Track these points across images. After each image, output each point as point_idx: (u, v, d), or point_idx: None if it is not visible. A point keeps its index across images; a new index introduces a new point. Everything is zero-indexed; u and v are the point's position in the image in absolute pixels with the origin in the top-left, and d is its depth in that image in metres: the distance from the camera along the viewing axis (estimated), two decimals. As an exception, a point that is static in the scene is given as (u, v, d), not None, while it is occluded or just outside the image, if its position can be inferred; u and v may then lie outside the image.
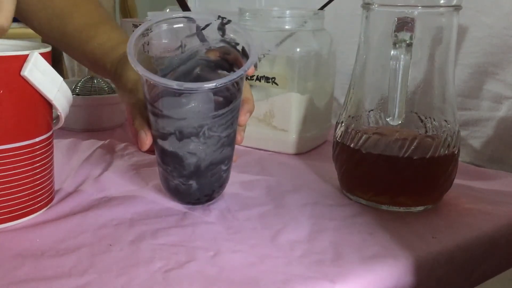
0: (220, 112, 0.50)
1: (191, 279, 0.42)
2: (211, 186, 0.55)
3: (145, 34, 0.53)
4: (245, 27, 0.54)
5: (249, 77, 0.75)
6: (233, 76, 0.48)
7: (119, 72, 0.60)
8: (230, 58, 0.54)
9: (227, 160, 0.55)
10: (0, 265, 0.43)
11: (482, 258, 0.52)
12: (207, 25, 0.55)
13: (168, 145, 0.52)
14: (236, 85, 0.51)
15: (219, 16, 0.55)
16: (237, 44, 0.54)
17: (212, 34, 0.55)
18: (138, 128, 0.53)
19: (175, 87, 0.47)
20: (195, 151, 0.51)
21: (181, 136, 0.51)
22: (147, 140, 0.53)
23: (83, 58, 0.67)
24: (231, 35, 0.55)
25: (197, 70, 0.56)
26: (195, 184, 0.54)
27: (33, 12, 0.67)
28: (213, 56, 0.56)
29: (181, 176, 0.53)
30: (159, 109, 0.50)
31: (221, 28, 0.55)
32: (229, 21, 0.54)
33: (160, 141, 0.52)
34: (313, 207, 0.56)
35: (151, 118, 0.52)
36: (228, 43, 0.55)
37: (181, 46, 0.56)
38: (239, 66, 0.52)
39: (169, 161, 0.53)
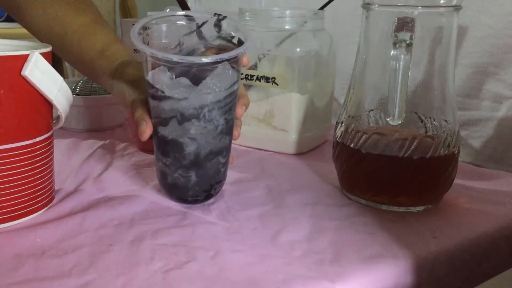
0: (221, 93, 0.51)
1: (191, 279, 0.42)
2: (209, 180, 0.55)
3: (140, 32, 0.53)
4: (239, 22, 0.56)
5: (249, 78, 0.75)
6: (230, 53, 0.50)
7: (119, 70, 0.61)
8: None
9: (225, 151, 0.56)
10: (0, 265, 0.43)
11: (482, 258, 0.52)
12: (204, 23, 0.57)
13: (169, 131, 0.53)
14: (234, 68, 0.52)
15: (215, 14, 0.56)
16: (233, 37, 0.55)
17: (208, 32, 0.56)
18: (138, 119, 0.54)
19: (176, 60, 0.49)
20: (195, 136, 0.52)
21: (182, 118, 0.51)
22: (147, 129, 0.53)
23: (79, 61, 0.68)
24: (227, 31, 0.56)
25: (194, 69, 0.57)
26: (194, 176, 0.54)
27: (33, 15, 0.67)
28: (210, 55, 0.56)
29: (181, 167, 0.54)
30: (161, 90, 0.51)
31: (217, 25, 0.56)
32: (224, 17, 0.56)
33: (160, 129, 0.53)
34: (313, 207, 0.57)
35: (153, 103, 0.53)
36: (224, 38, 0.56)
37: (179, 44, 0.57)
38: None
39: (169, 152, 0.54)
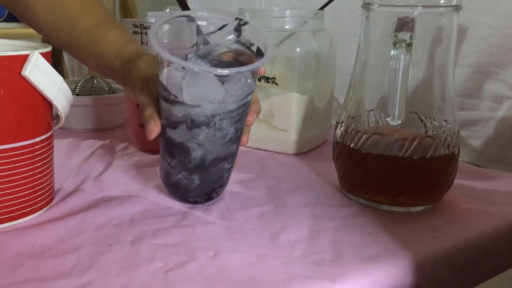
0: (235, 103, 0.51)
1: (191, 279, 0.42)
2: (212, 184, 0.55)
3: (157, 33, 0.53)
4: (260, 29, 0.55)
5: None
6: (249, 67, 0.49)
7: (129, 66, 0.60)
8: (243, 59, 0.55)
9: (231, 158, 0.55)
10: (0, 265, 0.43)
11: (482, 258, 0.52)
12: (224, 26, 0.56)
13: (177, 135, 0.52)
14: (251, 80, 0.52)
15: (236, 18, 0.55)
16: (252, 44, 0.55)
17: (227, 35, 0.56)
18: (147, 118, 0.54)
19: (196, 70, 0.49)
20: (203, 142, 0.52)
21: (192, 124, 0.51)
22: (155, 129, 0.53)
23: (89, 59, 0.68)
24: (247, 36, 0.55)
25: None
26: (197, 179, 0.54)
27: (41, 14, 0.67)
28: (226, 58, 0.56)
29: (185, 169, 0.54)
30: (175, 94, 0.51)
31: (238, 29, 0.55)
32: (246, 23, 0.55)
33: (169, 131, 0.53)
34: (313, 207, 0.57)
35: (164, 105, 0.53)
36: (243, 44, 0.55)
37: (196, 44, 0.56)
38: None
39: (175, 153, 0.53)
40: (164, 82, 0.52)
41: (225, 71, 0.49)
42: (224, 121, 0.51)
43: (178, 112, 0.51)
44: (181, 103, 0.51)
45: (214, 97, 0.50)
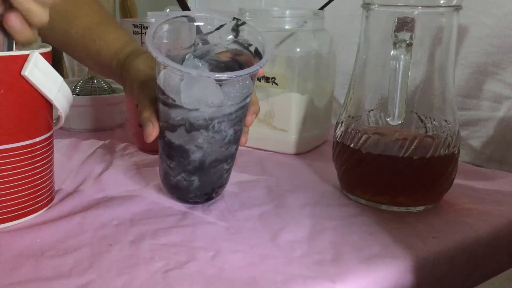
0: (233, 106, 0.51)
1: (191, 279, 0.42)
2: (211, 185, 0.55)
3: (154, 36, 0.52)
4: (259, 30, 0.55)
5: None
6: (248, 70, 0.49)
7: (127, 66, 0.60)
8: (241, 60, 0.55)
9: (231, 159, 0.55)
10: (0, 265, 0.43)
11: (482, 258, 0.52)
12: (221, 26, 0.56)
13: (176, 137, 0.52)
14: (249, 82, 0.51)
15: (234, 18, 0.55)
16: (250, 45, 0.54)
17: (225, 35, 0.56)
18: (145, 120, 0.53)
19: (193, 74, 0.49)
20: (202, 145, 0.52)
21: (191, 127, 0.51)
22: (153, 131, 0.53)
23: (87, 58, 0.68)
24: (245, 37, 0.55)
25: None
26: (197, 180, 0.54)
27: None
28: (224, 58, 0.56)
29: (184, 171, 0.53)
30: (172, 98, 0.50)
31: (235, 30, 0.55)
32: (244, 23, 0.55)
33: (167, 134, 0.53)
34: (313, 207, 0.57)
35: (162, 108, 0.52)
36: (241, 44, 0.55)
37: (193, 44, 0.56)
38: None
39: (174, 156, 0.53)
40: (162, 85, 0.51)
41: (224, 76, 0.49)
42: (223, 123, 0.51)
43: (176, 115, 0.51)
44: (179, 106, 0.50)
45: (212, 100, 0.50)
